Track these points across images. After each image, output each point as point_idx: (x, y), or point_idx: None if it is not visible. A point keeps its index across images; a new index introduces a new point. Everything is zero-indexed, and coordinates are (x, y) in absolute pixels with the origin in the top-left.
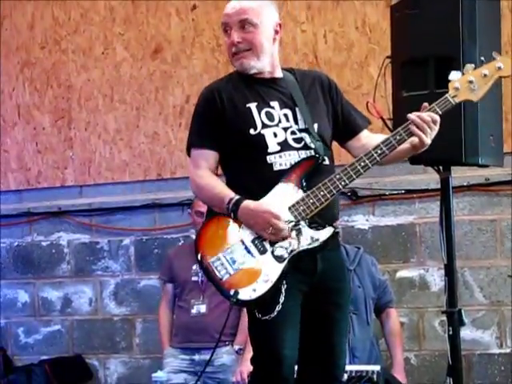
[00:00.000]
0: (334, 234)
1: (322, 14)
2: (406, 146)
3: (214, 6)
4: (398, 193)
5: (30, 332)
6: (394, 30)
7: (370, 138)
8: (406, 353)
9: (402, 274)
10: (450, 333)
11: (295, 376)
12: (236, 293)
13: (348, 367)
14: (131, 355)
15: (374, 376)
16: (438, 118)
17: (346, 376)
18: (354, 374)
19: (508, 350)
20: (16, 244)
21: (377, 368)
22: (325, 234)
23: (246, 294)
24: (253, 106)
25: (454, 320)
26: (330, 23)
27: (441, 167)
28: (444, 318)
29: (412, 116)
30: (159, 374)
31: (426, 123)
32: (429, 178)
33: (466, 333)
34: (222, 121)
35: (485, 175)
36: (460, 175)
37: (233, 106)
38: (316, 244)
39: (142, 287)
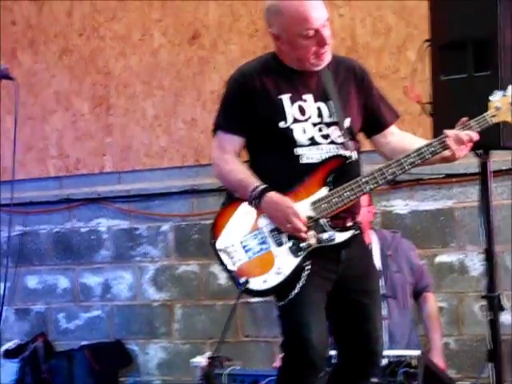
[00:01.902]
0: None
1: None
2: (436, 156)
3: None
4: (437, 177)
5: (70, 318)
6: (433, 13)
7: (398, 137)
8: (446, 338)
9: (441, 258)
10: (490, 318)
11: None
12: (246, 281)
13: (387, 352)
14: (170, 341)
15: (414, 361)
16: (475, 136)
17: (385, 361)
18: (392, 360)
19: None
20: (56, 230)
21: (416, 353)
22: (344, 236)
23: (257, 284)
24: (285, 97)
25: (494, 305)
26: (367, 7)
27: (480, 151)
28: (484, 302)
29: (450, 133)
30: (198, 359)
31: (463, 143)
32: (468, 162)
33: (505, 317)
34: (252, 108)
35: None
36: (499, 159)
37: (265, 94)
38: (333, 243)
39: (181, 273)
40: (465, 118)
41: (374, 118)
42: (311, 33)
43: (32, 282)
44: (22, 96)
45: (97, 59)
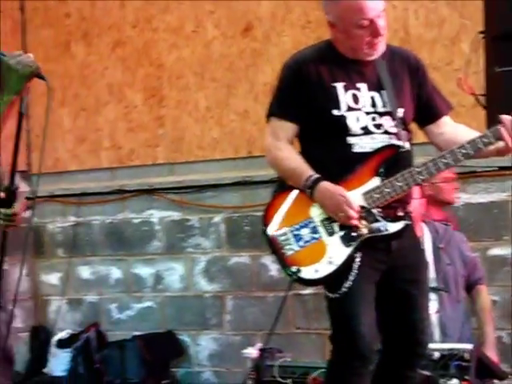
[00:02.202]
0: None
1: None
2: (490, 148)
3: None
4: (490, 170)
5: (122, 308)
6: (487, 4)
7: (451, 128)
8: (498, 331)
9: (494, 251)
10: None
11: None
12: (298, 270)
13: (439, 346)
14: (222, 332)
15: (466, 354)
16: None
17: (437, 354)
18: (445, 353)
19: None
20: (109, 221)
21: (469, 346)
22: (396, 226)
23: (308, 273)
24: (339, 85)
25: None
26: (413, 4)
27: None
28: None
29: (506, 120)
30: (249, 351)
31: None
32: None
33: None
34: (306, 95)
35: None
36: None
37: (319, 82)
38: (385, 233)
39: (233, 264)
40: None
41: (427, 108)
42: (366, 23)
43: (85, 272)
44: (75, 88)
45: (149, 51)
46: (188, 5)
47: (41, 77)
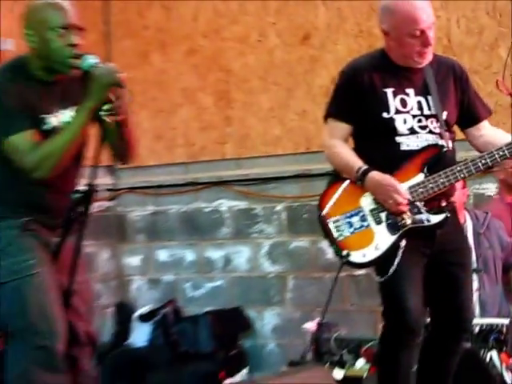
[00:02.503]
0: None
1: (455, 1)
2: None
3: None
4: None
5: (195, 287)
6: None
7: (489, 131)
8: None
9: None
10: None
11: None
12: (348, 254)
13: (479, 321)
14: (284, 308)
15: (504, 329)
16: None
17: (477, 329)
18: (484, 327)
19: None
20: (183, 210)
21: (506, 321)
22: (437, 218)
23: (357, 257)
24: (389, 91)
25: None
26: (462, 9)
27: None
28: None
29: None
30: (308, 325)
31: None
32: None
33: None
34: (360, 99)
35: None
36: None
37: (371, 87)
38: (426, 224)
39: (293, 248)
40: None
41: (469, 113)
42: (418, 33)
43: (163, 255)
44: (153, 92)
45: (219, 58)
46: (253, 17)
47: (119, 85)
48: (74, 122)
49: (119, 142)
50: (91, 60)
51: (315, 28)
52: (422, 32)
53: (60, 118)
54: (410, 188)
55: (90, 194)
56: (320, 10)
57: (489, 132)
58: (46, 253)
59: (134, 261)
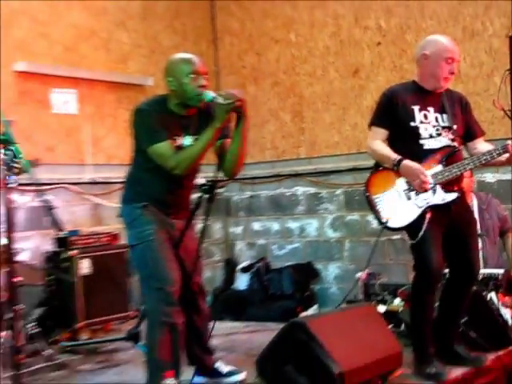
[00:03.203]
0: (460, 195)
1: (462, 44)
2: (503, 158)
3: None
4: None
5: (279, 248)
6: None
7: (481, 145)
8: None
9: None
10: None
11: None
12: (387, 221)
13: (482, 271)
14: (342, 263)
15: (500, 276)
16: None
17: (480, 276)
18: (486, 275)
19: None
20: (270, 194)
21: (501, 271)
22: (451, 196)
23: (393, 223)
24: (416, 108)
25: None
26: (467, 50)
27: None
28: None
29: (510, 144)
30: (360, 274)
31: None
32: None
33: None
34: (394, 113)
35: None
36: None
37: (403, 105)
38: (443, 202)
39: (348, 220)
40: None
41: (469, 131)
42: (450, 61)
43: (256, 226)
44: (248, 112)
45: (294, 88)
46: (318, 58)
47: (237, 110)
48: (204, 137)
49: (233, 157)
50: (211, 94)
51: (362, 65)
52: (453, 60)
53: (183, 141)
54: (432, 175)
55: (213, 186)
56: (366, 53)
57: (481, 146)
58: (161, 226)
59: (237, 230)
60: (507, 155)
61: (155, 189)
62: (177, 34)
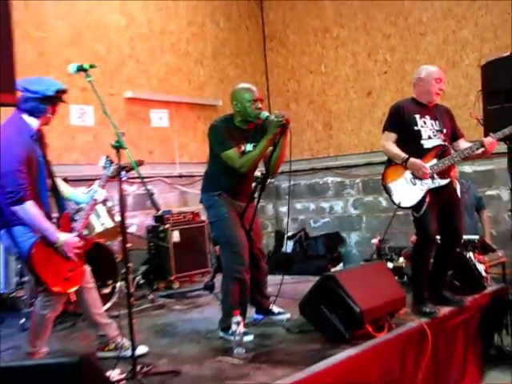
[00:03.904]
0: (450, 181)
1: (446, 73)
2: (479, 152)
3: None
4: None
5: (315, 222)
6: (482, 77)
7: (462, 144)
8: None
9: (488, 192)
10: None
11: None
12: (400, 202)
13: (464, 237)
14: (361, 232)
15: (476, 241)
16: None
17: (462, 241)
18: (465, 240)
19: None
20: (308, 183)
21: (476, 237)
22: (445, 181)
23: (404, 203)
24: (417, 116)
25: None
26: (450, 75)
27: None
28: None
29: (486, 141)
30: (374, 241)
31: (493, 146)
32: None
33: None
34: (401, 120)
35: None
36: None
37: (408, 114)
38: (439, 185)
39: (366, 201)
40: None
41: (454, 133)
42: (439, 80)
43: (299, 205)
44: (291, 124)
45: (324, 105)
46: (342, 83)
47: (284, 126)
48: (260, 145)
49: (276, 161)
50: (266, 114)
51: (374, 88)
52: (440, 81)
53: (246, 148)
54: (430, 166)
55: (265, 179)
56: (376, 79)
57: (462, 144)
58: (232, 208)
59: (283, 209)
60: (483, 149)
61: (226, 181)
62: (238, 68)
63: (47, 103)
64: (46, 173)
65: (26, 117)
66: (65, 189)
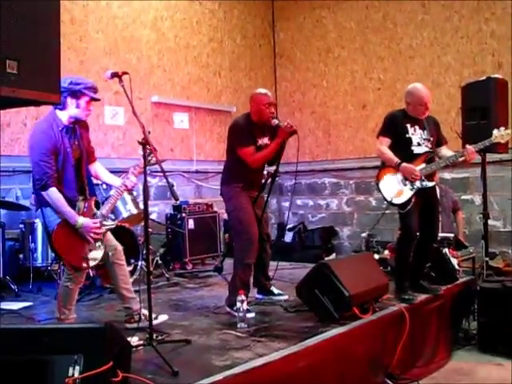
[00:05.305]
0: (434, 184)
1: (431, 92)
2: (461, 160)
3: None
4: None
5: (312, 216)
6: (462, 96)
7: (445, 151)
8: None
9: (464, 197)
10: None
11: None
12: (391, 199)
13: (440, 234)
14: (352, 227)
15: (451, 238)
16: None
17: (439, 238)
18: (442, 237)
19: None
20: (308, 182)
21: (452, 235)
22: (431, 183)
23: (395, 201)
24: (409, 125)
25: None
26: (434, 95)
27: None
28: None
29: (467, 147)
30: (364, 235)
31: (473, 156)
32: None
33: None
34: (395, 128)
35: None
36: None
37: (400, 123)
38: (425, 186)
39: (357, 200)
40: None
41: (439, 141)
42: (423, 102)
43: (299, 202)
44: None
45: (325, 115)
46: (340, 97)
47: (291, 133)
48: (269, 148)
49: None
50: (277, 121)
51: (368, 102)
52: (426, 104)
53: (263, 141)
54: (419, 170)
55: (275, 174)
56: (370, 95)
57: (444, 150)
58: (248, 199)
59: (286, 204)
60: (464, 158)
61: (243, 174)
62: (251, 80)
63: (69, 95)
64: (75, 161)
65: (58, 112)
66: (104, 175)
